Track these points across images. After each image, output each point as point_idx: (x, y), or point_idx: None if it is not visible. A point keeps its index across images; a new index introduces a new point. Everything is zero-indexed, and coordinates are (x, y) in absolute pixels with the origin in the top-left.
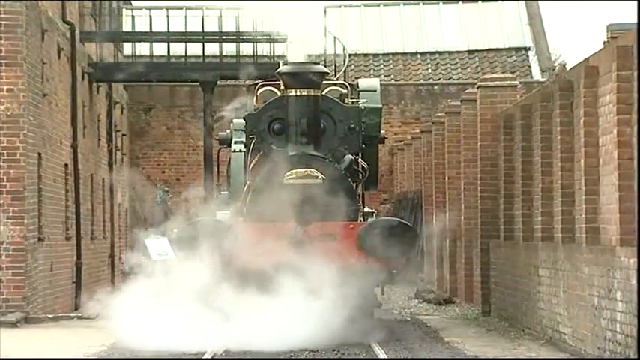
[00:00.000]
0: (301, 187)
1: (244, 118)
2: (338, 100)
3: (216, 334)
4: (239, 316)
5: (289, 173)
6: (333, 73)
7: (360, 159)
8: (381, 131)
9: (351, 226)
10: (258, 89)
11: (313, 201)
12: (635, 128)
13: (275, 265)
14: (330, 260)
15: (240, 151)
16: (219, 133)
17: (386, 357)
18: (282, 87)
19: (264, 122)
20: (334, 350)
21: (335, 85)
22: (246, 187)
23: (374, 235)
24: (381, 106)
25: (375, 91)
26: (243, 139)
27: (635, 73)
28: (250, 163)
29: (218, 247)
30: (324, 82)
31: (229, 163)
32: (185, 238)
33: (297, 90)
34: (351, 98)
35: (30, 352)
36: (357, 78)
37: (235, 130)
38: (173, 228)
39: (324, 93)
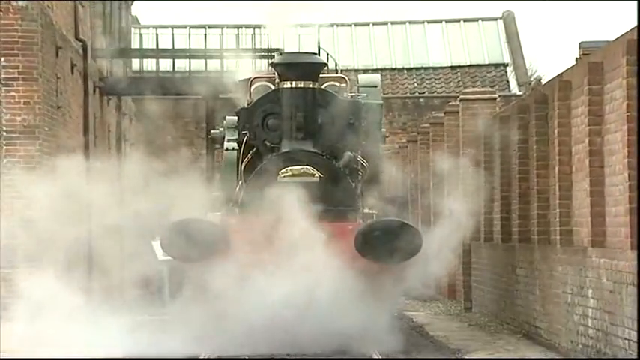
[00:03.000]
0: (297, 186)
1: (237, 114)
2: (336, 94)
3: (208, 336)
4: (231, 318)
5: (284, 171)
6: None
7: (359, 157)
8: (382, 129)
9: (350, 226)
10: (251, 84)
11: (309, 200)
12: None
13: (268, 267)
14: (327, 262)
15: (233, 149)
16: (212, 131)
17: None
18: (276, 80)
19: (257, 117)
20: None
21: (333, 79)
22: (238, 186)
23: (374, 236)
24: (382, 102)
25: (376, 86)
26: (236, 137)
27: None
28: (243, 161)
29: (206, 247)
30: (321, 76)
31: (222, 162)
32: (170, 239)
33: (293, 82)
34: (350, 93)
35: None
36: None
37: (228, 127)
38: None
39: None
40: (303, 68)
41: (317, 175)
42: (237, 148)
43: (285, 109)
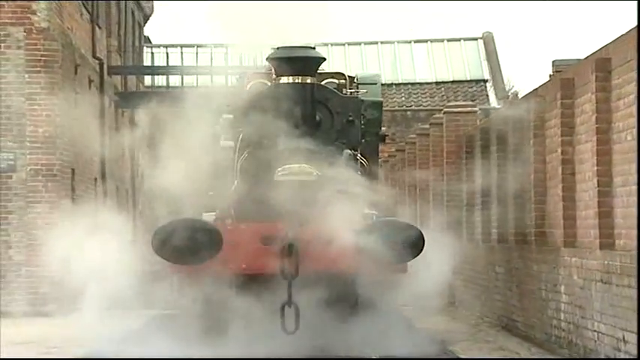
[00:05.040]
0: (294, 184)
1: (233, 111)
2: (335, 90)
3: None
4: (222, 327)
5: (281, 169)
6: None
7: (359, 155)
8: (382, 128)
9: (350, 226)
10: (248, 81)
11: (307, 199)
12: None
13: (264, 271)
14: (326, 265)
15: (230, 147)
16: None
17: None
18: (273, 76)
19: (254, 114)
20: None
21: (332, 75)
22: (234, 185)
23: (375, 237)
24: (381, 99)
25: (376, 84)
26: (233, 135)
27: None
28: (239, 159)
29: (198, 248)
30: (320, 73)
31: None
32: (160, 240)
33: (290, 77)
34: (350, 89)
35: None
36: None
37: (224, 125)
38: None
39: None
40: (300, 63)
41: (315, 174)
42: (233, 146)
43: (282, 106)
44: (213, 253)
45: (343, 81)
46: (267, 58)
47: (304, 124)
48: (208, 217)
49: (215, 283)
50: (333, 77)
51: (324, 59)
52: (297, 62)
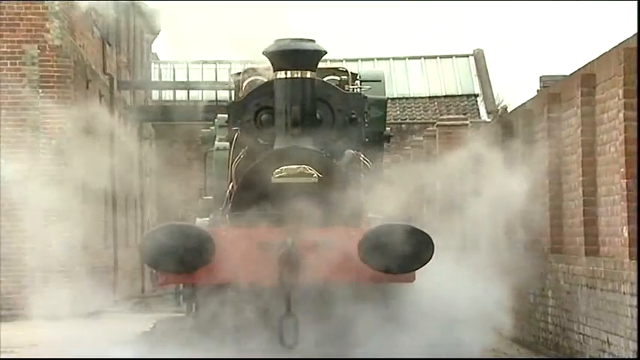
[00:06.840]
0: (293, 187)
1: (227, 109)
2: (337, 87)
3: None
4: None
5: (279, 170)
6: None
7: (362, 155)
8: (387, 128)
9: (353, 232)
10: (244, 77)
11: (307, 203)
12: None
13: (259, 280)
14: (327, 275)
15: (225, 148)
16: (202, 130)
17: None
18: (271, 72)
19: (249, 112)
20: None
21: (334, 70)
22: (229, 188)
23: (380, 242)
24: (386, 97)
25: (380, 81)
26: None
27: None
28: (234, 160)
29: (189, 255)
30: (320, 68)
31: (212, 162)
32: (148, 247)
33: (288, 72)
34: (352, 86)
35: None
36: None
37: (220, 126)
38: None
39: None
40: (299, 56)
41: (315, 175)
42: (228, 146)
43: (280, 102)
44: (205, 260)
45: (345, 77)
46: (263, 52)
47: (304, 122)
48: (202, 222)
49: (208, 292)
50: (334, 73)
51: (325, 52)
52: (296, 55)
